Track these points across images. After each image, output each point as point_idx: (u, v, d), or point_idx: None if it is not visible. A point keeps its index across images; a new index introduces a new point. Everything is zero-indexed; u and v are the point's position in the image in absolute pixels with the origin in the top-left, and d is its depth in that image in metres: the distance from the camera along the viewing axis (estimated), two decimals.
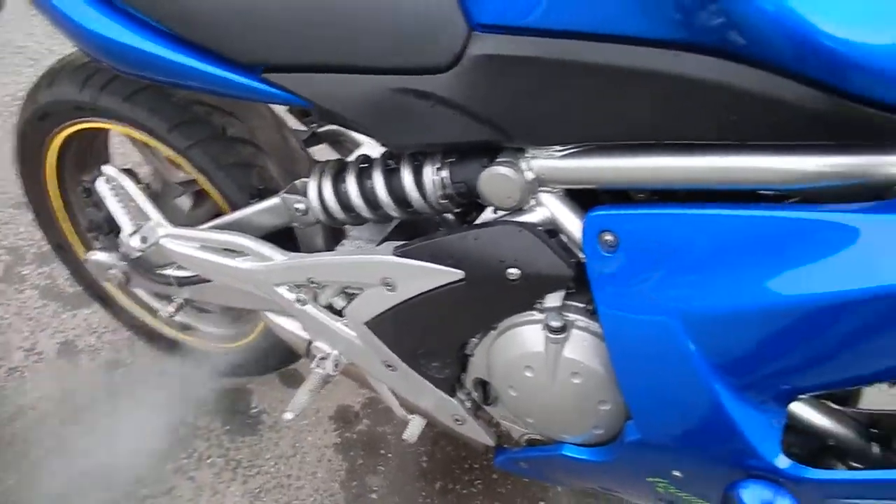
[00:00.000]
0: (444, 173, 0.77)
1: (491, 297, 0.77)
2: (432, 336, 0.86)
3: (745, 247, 0.56)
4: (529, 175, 0.70)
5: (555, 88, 0.61)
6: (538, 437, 0.93)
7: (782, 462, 0.63)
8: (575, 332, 0.75)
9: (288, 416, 1.00)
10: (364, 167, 0.85)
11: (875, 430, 0.68)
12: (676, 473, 0.75)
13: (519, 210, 0.74)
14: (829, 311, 0.52)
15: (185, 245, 1.01)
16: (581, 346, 0.75)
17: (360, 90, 0.72)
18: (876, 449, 0.67)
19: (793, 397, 0.63)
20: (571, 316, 0.75)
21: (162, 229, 1.04)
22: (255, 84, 0.77)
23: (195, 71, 0.78)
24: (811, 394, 0.68)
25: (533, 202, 0.73)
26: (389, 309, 0.85)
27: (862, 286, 0.49)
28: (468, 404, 0.95)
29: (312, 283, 0.91)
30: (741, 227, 0.56)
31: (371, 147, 1.05)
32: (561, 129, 0.65)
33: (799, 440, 0.71)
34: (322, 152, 1.17)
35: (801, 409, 0.69)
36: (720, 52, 0.51)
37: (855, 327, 0.52)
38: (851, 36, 0.44)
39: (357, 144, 1.17)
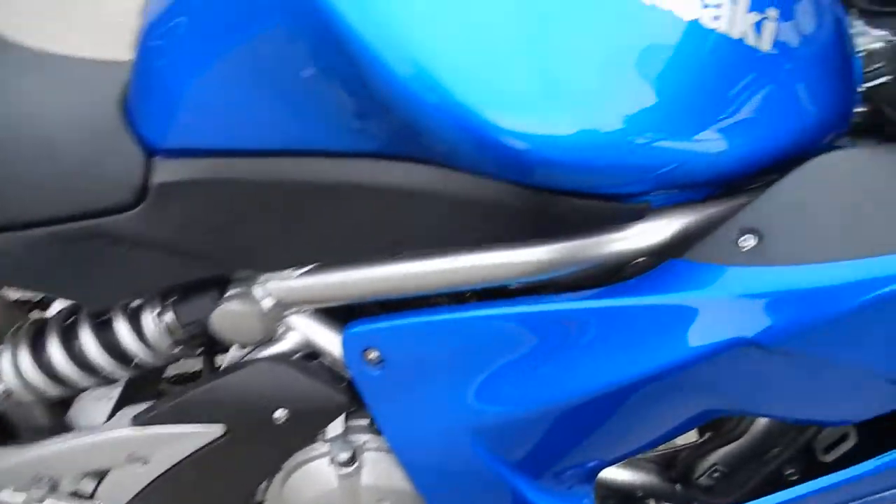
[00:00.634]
0: (169, 317, 0.64)
1: (263, 445, 0.66)
2: (210, 498, 0.73)
3: (506, 345, 0.53)
4: (268, 302, 0.60)
5: (258, 210, 0.53)
6: None
7: None
8: (367, 455, 0.66)
9: None
10: (69, 324, 0.69)
11: (674, 468, 0.70)
12: None
13: (269, 341, 0.64)
14: (601, 400, 0.50)
15: None
16: (378, 470, 0.66)
17: (27, 248, 0.57)
18: (679, 487, 0.68)
19: (596, 472, 0.61)
20: (359, 439, 0.66)
21: None
22: None
23: None
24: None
25: (282, 328, 0.63)
26: (149, 484, 0.70)
27: (621, 375, 0.48)
28: None
29: (41, 478, 0.73)
30: (496, 325, 0.52)
31: None
32: (280, 252, 0.57)
33: (611, 493, 0.70)
34: None
35: (604, 472, 0.68)
36: (424, 160, 0.46)
37: (632, 407, 0.50)
38: (525, 129, 0.41)
39: None
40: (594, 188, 0.44)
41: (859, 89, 0.52)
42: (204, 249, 0.57)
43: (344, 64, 0.42)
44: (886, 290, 0.39)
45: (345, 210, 0.51)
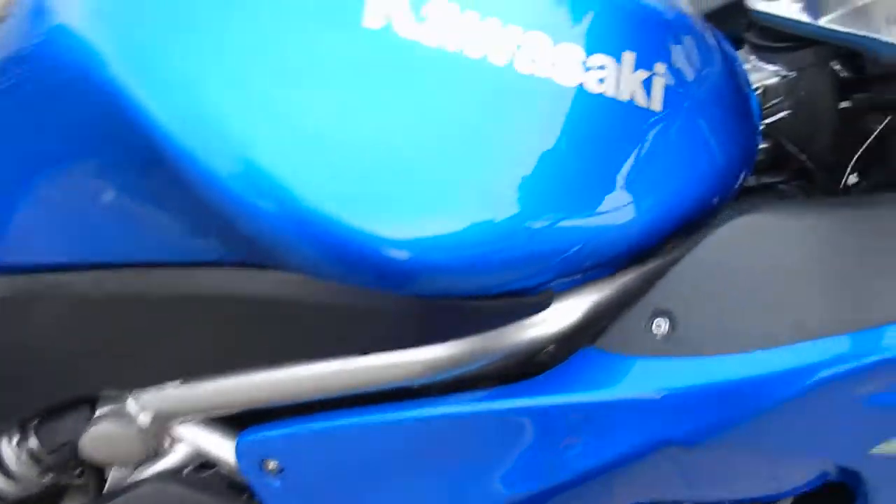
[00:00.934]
0: (33, 444, 0.55)
1: None
2: None
3: (408, 450, 0.48)
4: (145, 419, 0.53)
5: (105, 326, 0.48)
6: None
7: None
8: None
9: None
10: None
11: None
12: None
13: (155, 456, 0.56)
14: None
15: None
16: None
17: None
18: None
19: None
20: None
21: None
22: None
23: None
24: None
25: (168, 441, 0.56)
26: None
27: (538, 479, 0.43)
28: None
29: None
30: (396, 430, 0.47)
31: None
32: (139, 369, 0.50)
33: None
34: None
35: None
36: (279, 267, 0.41)
37: None
38: (400, 235, 0.36)
39: None
40: (490, 288, 0.39)
41: (760, 126, 0.49)
42: (53, 372, 0.50)
43: (159, 166, 0.35)
44: (816, 377, 0.36)
45: (199, 322, 0.45)
